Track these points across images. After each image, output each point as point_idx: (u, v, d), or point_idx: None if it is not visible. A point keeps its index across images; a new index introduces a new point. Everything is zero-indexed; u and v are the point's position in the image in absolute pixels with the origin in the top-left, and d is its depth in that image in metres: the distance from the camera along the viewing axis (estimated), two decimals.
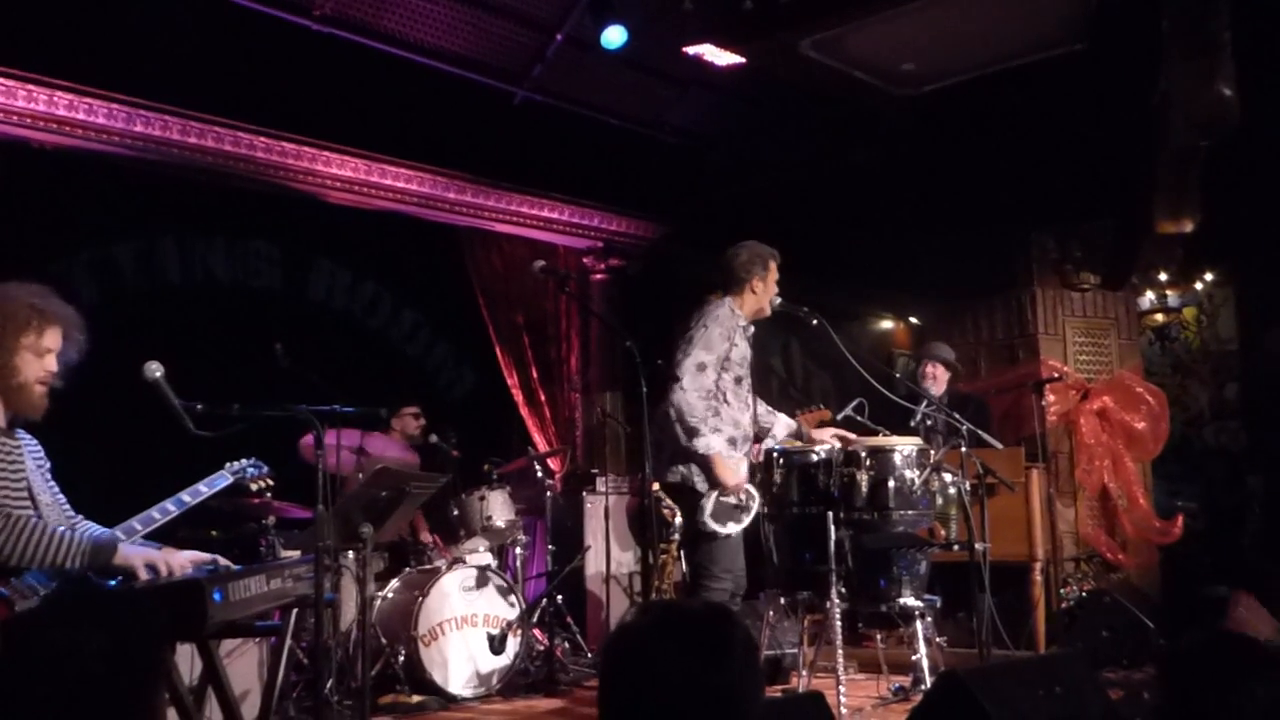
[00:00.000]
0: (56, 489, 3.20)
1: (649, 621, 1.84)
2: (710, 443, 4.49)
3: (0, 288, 3.05)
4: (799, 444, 4.84)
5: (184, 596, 2.86)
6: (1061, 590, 6.42)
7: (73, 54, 5.57)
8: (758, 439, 4.88)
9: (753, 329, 4.86)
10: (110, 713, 1.69)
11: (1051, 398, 7.04)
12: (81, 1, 5.43)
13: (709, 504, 4.49)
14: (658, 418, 4.55)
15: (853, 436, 4.78)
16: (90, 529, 3.16)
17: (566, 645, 6.36)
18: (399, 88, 6.62)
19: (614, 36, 6.38)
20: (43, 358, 3.03)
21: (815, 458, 4.68)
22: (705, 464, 4.52)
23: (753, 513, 4.59)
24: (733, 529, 4.53)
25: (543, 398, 8.17)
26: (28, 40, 5.43)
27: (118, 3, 5.51)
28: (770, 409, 4.98)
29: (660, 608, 1.98)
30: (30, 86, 5.57)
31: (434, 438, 6.39)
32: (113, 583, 2.97)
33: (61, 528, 2.98)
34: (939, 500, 4.83)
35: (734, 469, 4.53)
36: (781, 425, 4.93)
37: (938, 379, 6.40)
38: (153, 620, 1.84)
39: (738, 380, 4.67)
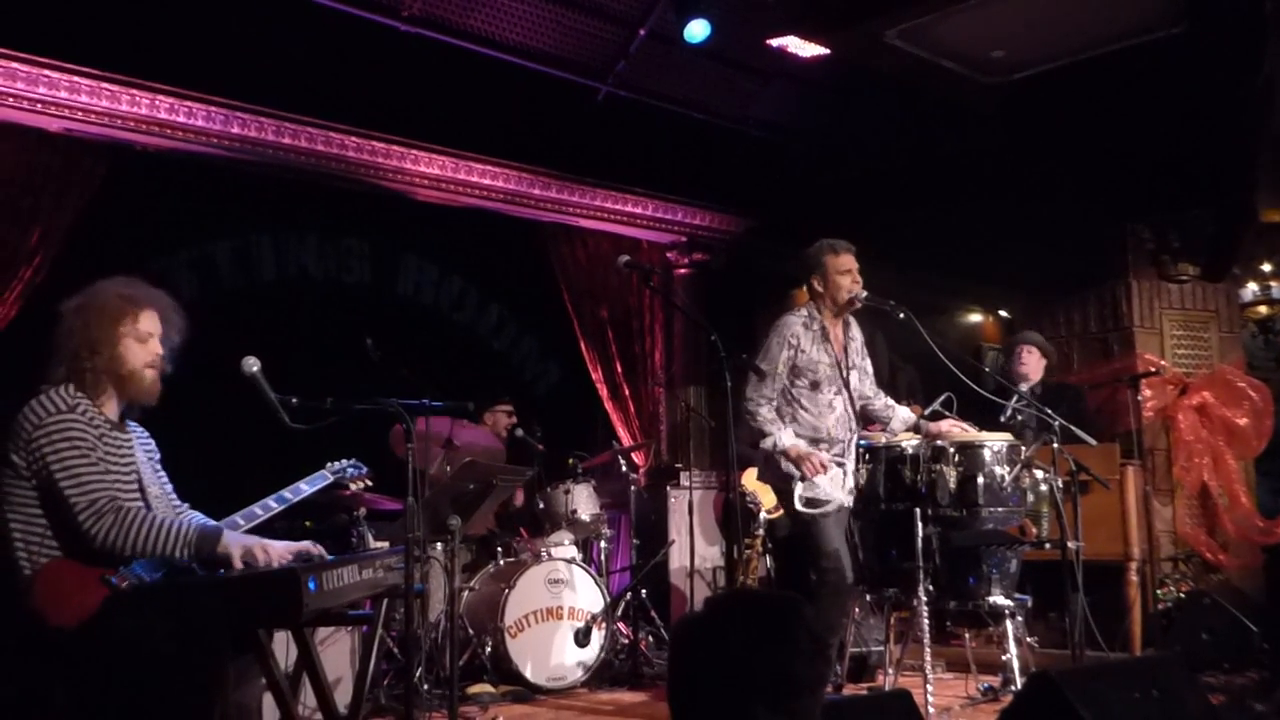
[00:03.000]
0: (165, 479, 3.31)
1: (718, 603, 1.92)
2: (778, 439, 4.58)
3: (96, 286, 3.16)
4: (885, 437, 4.81)
5: (281, 585, 2.93)
6: (1159, 591, 6.25)
7: (172, 59, 5.76)
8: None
9: (856, 330, 4.84)
10: (173, 693, 1.78)
11: (1148, 393, 6.84)
12: (180, 8, 5.60)
13: (797, 488, 4.55)
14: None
15: (973, 430, 4.71)
16: (195, 518, 3.27)
17: (650, 639, 6.39)
18: (485, 86, 6.71)
19: (697, 30, 6.37)
20: (145, 343, 3.13)
21: (901, 453, 4.63)
22: (774, 460, 4.59)
23: (833, 502, 4.57)
24: (813, 512, 4.56)
25: (627, 392, 8.20)
26: (131, 46, 5.62)
27: (214, 8, 5.67)
28: (891, 403, 4.98)
29: (730, 592, 2.04)
30: (134, 91, 5.77)
31: (520, 431, 6.47)
32: (221, 571, 3.07)
33: (168, 518, 3.07)
34: (1030, 497, 4.73)
35: (806, 458, 4.56)
36: (899, 420, 4.91)
37: (1030, 365, 6.20)
38: (213, 612, 1.92)
39: (814, 385, 4.70)
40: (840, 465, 4.68)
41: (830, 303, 4.76)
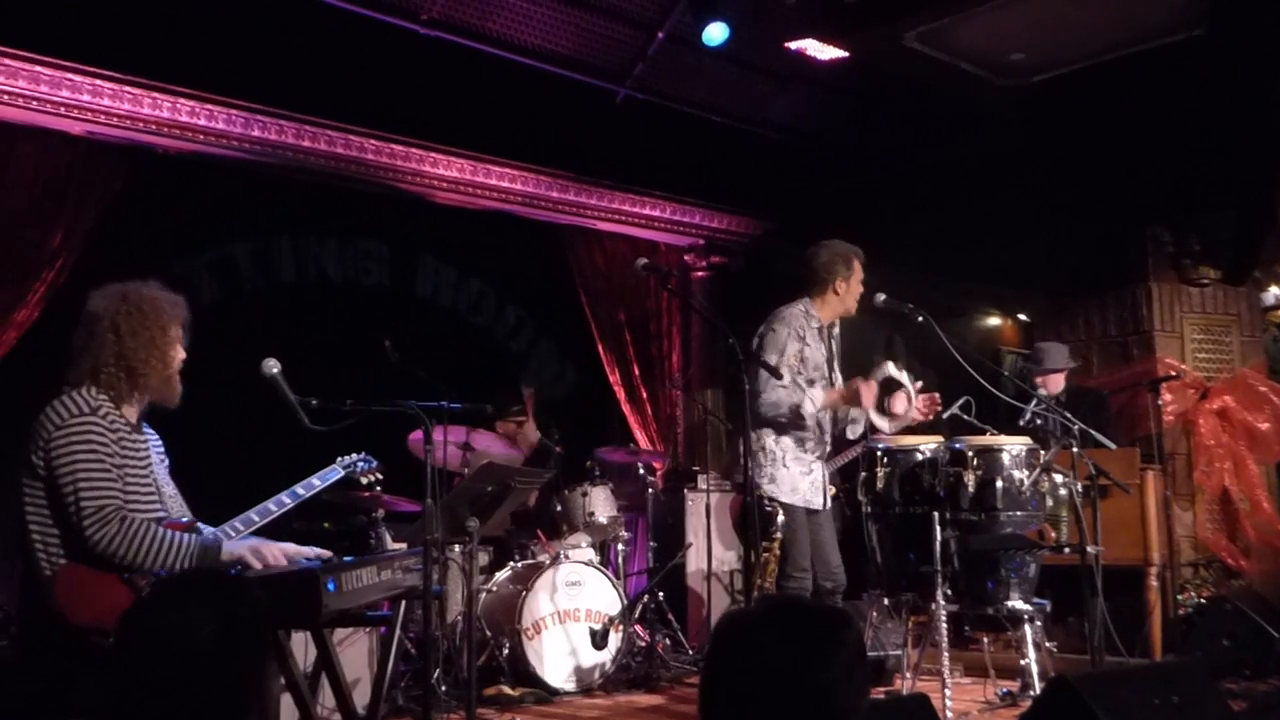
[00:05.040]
0: (172, 485, 3.33)
1: (762, 610, 1.82)
2: (812, 402, 4.56)
3: (130, 289, 3.18)
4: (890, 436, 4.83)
5: (300, 586, 2.95)
6: (1179, 596, 6.20)
7: (193, 63, 5.79)
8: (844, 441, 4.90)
9: (837, 329, 4.84)
10: (219, 690, 1.76)
11: (1168, 397, 6.80)
12: (200, 11, 5.63)
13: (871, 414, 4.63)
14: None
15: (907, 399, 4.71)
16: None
17: (667, 642, 6.38)
18: (503, 89, 6.72)
19: (715, 33, 6.37)
20: (179, 345, 3.23)
21: (919, 456, 4.62)
22: (826, 412, 4.62)
23: (907, 405, 4.61)
24: (891, 425, 4.64)
25: (644, 395, 8.20)
26: (152, 50, 5.66)
27: (235, 12, 5.71)
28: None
29: (776, 599, 1.93)
30: (155, 94, 5.81)
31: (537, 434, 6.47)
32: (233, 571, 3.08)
33: (169, 532, 3.07)
34: (1049, 501, 4.72)
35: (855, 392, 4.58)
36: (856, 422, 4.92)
37: (1050, 384, 6.25)
38: (258, 604, 1.90)
39: (810, 384, 4.69)
40: (820, 461, 4.70)
41: (841, 308, 4.77)
